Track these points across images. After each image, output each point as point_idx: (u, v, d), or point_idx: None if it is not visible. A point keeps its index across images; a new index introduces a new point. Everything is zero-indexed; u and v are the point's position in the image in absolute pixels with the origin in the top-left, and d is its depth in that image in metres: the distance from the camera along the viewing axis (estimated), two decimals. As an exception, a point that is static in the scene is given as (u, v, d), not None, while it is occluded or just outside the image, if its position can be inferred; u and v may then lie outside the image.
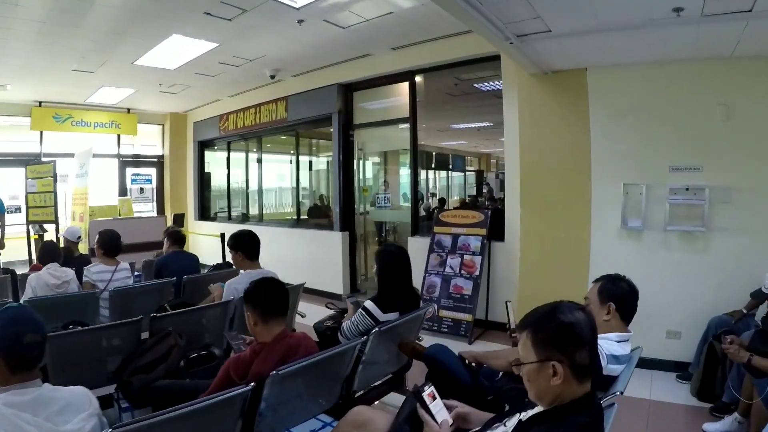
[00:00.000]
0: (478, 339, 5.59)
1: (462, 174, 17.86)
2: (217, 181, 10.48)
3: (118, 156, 10.08)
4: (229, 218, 10.01)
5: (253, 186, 9.58)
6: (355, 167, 7.46)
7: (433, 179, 18.39)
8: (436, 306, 5.83)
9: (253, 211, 9.68)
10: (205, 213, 10.49)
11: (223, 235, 7.51)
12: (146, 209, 10.36)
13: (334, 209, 7.56)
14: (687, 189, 4.36)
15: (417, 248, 6.15)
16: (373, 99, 7.33)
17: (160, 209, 10.64)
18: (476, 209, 6.06)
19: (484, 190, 16.15)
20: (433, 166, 17.65)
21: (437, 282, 5.91)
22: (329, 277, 7.52)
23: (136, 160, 10.53)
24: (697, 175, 4.37)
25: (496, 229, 5.78)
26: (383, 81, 6.98)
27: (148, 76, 7.42)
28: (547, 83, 5.05)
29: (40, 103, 8.74)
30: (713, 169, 4.33)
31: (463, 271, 5.80)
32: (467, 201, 13.87)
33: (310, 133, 8.23)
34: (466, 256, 5.83)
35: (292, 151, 8.57)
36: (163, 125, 10.58)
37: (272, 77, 7.45)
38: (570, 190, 4.93)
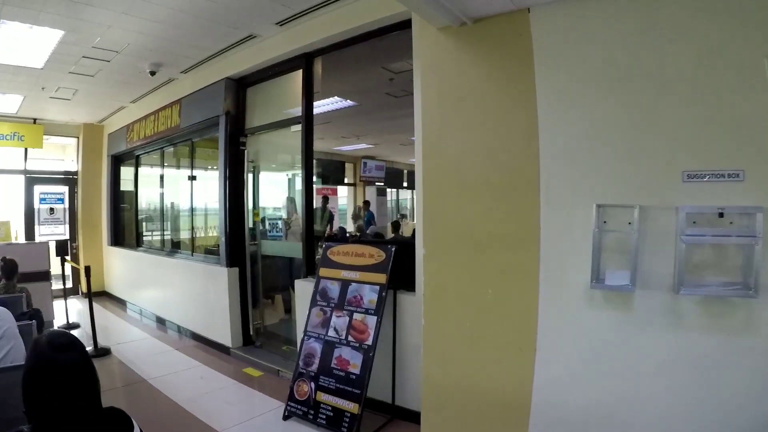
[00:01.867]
0: None
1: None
2: (140, 201, 8.32)
3: (24, 172, 8.13)
4: (138, 244, 7.87)
5: (156, 207, 7.52)
6: (245, 184, 5.26)
7: (409, 199, 16.61)
8: (312, 385, 3.75)
9: (157, 236, 7.59)
10: (118, 238, 8.34)
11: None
12: (57, 232, 8.41)
13: (220, 238, 5.35)
14: (720, 215, 2.11)
15: (308, 296, 3.96)
16: (269, 95, 5.19)
17: (72, 232, 8.61)
18: (377, 244, 3.77)
19: None
20: (405, 185, 15.85)
21: (317, 349, 3.55)
22: (217, 324, 5.33)
23: (46, 177, 8.54)
24: (736, 188, 2.11)
25: (405, 275, 3.57)
26: (276, 70, 4.85)
27: (20, 78, 5.59)
28: (464, 40, 2.87)
29: (-66, 113, 6.79)
30: (765, 176, 2.11)
31: (350, 338, 3.49)
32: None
33: (206, 142, 6.07)
34: (356, 315, 3.56)
35: (188, 166, 6.44)
36: (78, 137, 8.63)
37: (152, 73, 5.39)
38: (501, 217, 2.73)
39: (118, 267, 8.14)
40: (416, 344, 3.50)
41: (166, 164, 7.22)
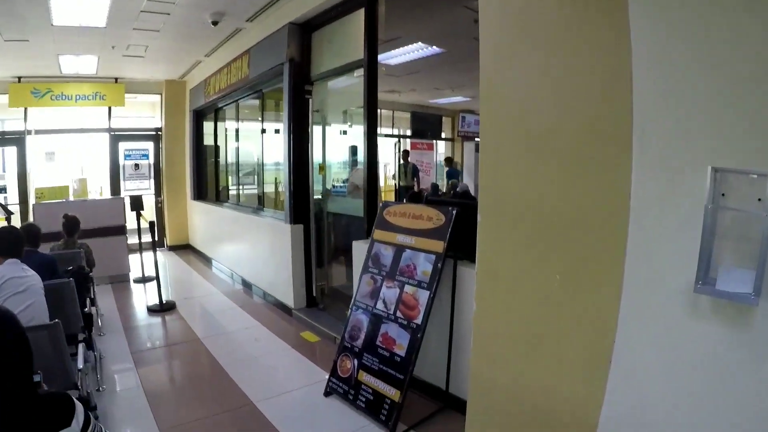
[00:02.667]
0: (421, 424, 2.92)
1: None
2: (220, 155, 8.40)
3: (108, 130, 8.49)
4: (217, 198, 8.00)
5: (232, 161, 7.50)
6: (311, 136, 4.89)
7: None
8: (355, 363, 3.43)
9: (233, 190, 7.61)
10: (201, 192, 8.54)
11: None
12: (142, 187, 8.82)
13: (284, 193, 5.09)
14: None
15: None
16: (333, 39, 4.67)
17: (158, 187, 9.01)
18: (437, 205, 3.12)
19: None
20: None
21: (363, 322, 3.16)
22: (281, 283, 5.17)
23: (130, 134, 8.95)
24: None
25: (470, 243, 2.73)
26: (338, 11, 4.34)
27: (87, 38, 5.72)
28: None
29: (19, 78, 7.44)
30: None
31: (399, 314, 3.03)
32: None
33: (275, 93, 5.72)
34: (407, 287, 3.04)
35: (259, 118, 6.23)
36: (161, 94, 8.82)
37: (214, 23, 5.16)
38: (576, 186, 2.00)
39: (200, 221, 8.43)
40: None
41: (240, 118, 7.14)
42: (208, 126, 8.44)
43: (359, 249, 3.84)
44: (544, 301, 2.15)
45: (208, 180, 8.51)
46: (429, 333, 2.96)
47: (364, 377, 3.04)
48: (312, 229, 5.02)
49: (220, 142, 8.08)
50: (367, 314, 3.18)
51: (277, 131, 5.62)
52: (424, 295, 2.92)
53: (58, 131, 8.36)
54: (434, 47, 6.16)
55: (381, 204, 3.47)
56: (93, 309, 4.19)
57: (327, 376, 3.36)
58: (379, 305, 3.12)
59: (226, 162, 7.92)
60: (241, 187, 7.30)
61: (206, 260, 7.95)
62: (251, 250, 6.13)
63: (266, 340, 4.40)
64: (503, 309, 2.36)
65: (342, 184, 5.00)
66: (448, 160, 11.49)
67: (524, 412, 2.26)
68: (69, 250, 4.30)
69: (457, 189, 9.21)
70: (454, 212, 2.96)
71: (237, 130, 7.19)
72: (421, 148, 11.64)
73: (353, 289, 3.88)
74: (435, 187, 9.83)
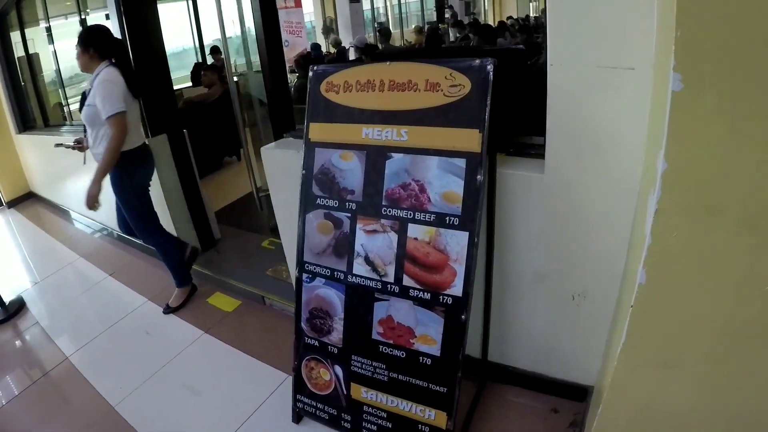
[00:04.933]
0: (478, 423, 1.79)
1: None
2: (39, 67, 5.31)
3: None
4: (46, 124, 5.19)
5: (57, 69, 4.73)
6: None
7: (383, 4, 12.65)
8: (339, 372, 2.00)
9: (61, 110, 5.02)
10: (26, 121, 5.48)
11: None
12: None
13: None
14: None
15: (288, 180, 2.05)
16: None
17: None
18: (447, 57, 1.82)
19: (447, 15, 10.78)
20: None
21: (334, 301, 1.65)
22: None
23: None
24: None
25: (512, 123, 1.61)
26: None
27: None
28: None
29: None
30: None
31: (409, 281, 1.50)
32: (424, 30, 8.53)
33: None
34: (414, 229, 1.49)
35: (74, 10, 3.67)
36: None
37: None
38: None
39: (37, 159, 5.57)
40: (540, 272, 1.66)
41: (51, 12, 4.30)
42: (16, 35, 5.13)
43: (272, 159, 2.11)
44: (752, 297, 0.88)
45: (32, 104, 5.45)
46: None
47: (365, 395, 1.66)
48: (187, 136, 3.07)
49: (38, 49, 5.07)
50: (336, 287, 1.67)
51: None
52: (456, 239, 1.45)
53: None
54: None
55: (311, 72, 1.69)
56: None
57: (282, 380, 1.96)
58: (359, 268, 1.61)
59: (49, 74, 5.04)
60: (70, 102, 4.70)
61: (61, 212, 5.25)
62: (108, 188, 3.87)
63: (161, 329, 2.70)
64: (688, 296, 1.03)
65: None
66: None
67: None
68: None
69: (353, 43, 7.11)
70: (490, 68, 1.37)
71: (49, 29, 4.38)
72: (288, 6, 8.87)
73: (281, 232, 2.30)
74: (317, 47, 7.60)
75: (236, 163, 5.30)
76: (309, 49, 7.52)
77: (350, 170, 1.60)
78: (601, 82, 1.34)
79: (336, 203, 1.64)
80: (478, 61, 1.40)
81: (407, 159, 1.50)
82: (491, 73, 1.38)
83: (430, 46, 6.83)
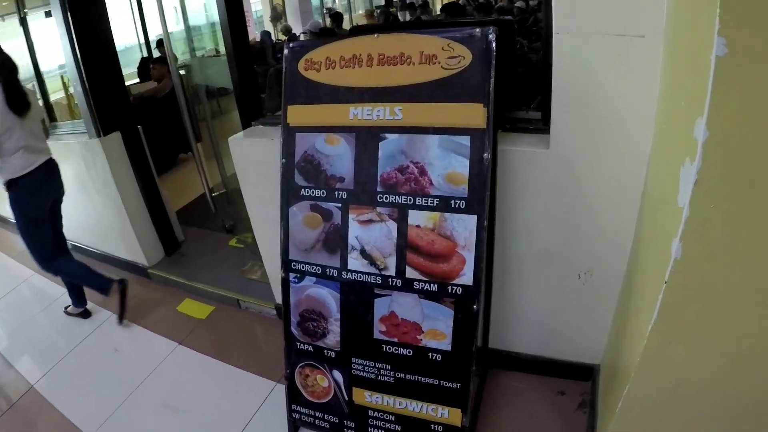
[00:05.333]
0: (488, 416, 1.71)
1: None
2: None
3: None
4: None
5: None
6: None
7: None
8: (338, 377, 1.87)
9: None
10: None
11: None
12: None
13: (74, 90, 2.61)
14: None
15: (262, 172, 1.89)
16: None
17: None
18: (443, 26, 1.72)
19: None
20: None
21: (327, 300, 1.51)
22: (115, 231, 2.97)
23: None
24: None
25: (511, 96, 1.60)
26: None
27: None
28: None
29: None
30: None
31: (412, 273, 1.38)
32: (375, 14, 8.28)
33: None
34: (416, 215, 1.35)
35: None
36: None
37: None
38: None
39: None
40: (544, 252, 1.58)
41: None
42: None
43: (242, 149, 1.90)
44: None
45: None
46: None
47: (370, 398, 1.54)
48: (142, 133, 2.78)
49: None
50: (329, 285, 1.52)
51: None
52: (464, 224, 1.34)
53: None
54: None
55: (286, 50, 1.50)
56: None
57: (271, 388, 1.81)
58: (354, 263, 1.47)
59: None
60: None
61: (6, 224, 4.50)
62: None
63: (131, 343, 2.44)
64: (726, 271, 0.97)
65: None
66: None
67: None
68: None
69: (307, 28, 6.74)
70: (492, 38, 1.25)
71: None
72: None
73: (255, 229, 2.12)
74: (267, 34, 7.19)
75: (192, 159, 4.93)
76: (258, 39, 7.15)
77: (338, 155, 1.44)
78: (609, 50, 1.25)
79: (323, 193, 1.48)
80: (478, 30, 1.28)
81: (403, 139, 1.37)
82: (494, 43, 1.26)
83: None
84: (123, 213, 2.77)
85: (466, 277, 1.36)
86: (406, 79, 1.35)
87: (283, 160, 1.52)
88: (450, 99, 1.31)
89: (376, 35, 1.39)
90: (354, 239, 1.46)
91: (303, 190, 1.50)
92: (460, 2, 8.45)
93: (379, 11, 8.95)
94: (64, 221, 2.49)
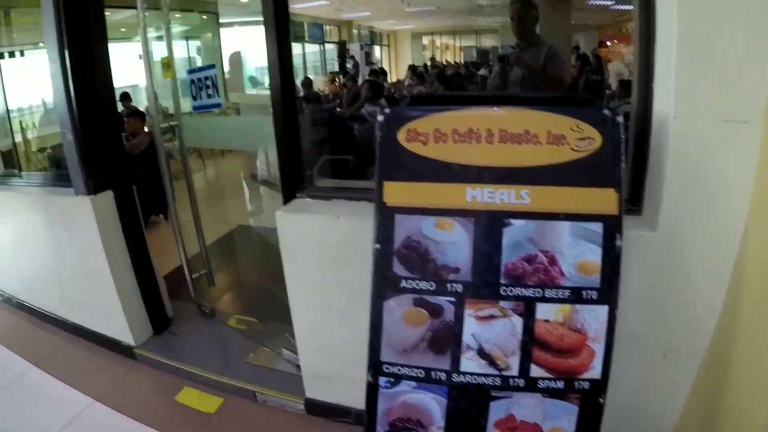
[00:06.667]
0: None
1: (320, 47, 11.86)
2: None
3: None
4: None
5: None
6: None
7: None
8: None
9: None
10: None
11: None
12: None
13: (62, 134, 2.10)
14: None
15: (316, 256, 1.64)
16: None
17: None
18: (568, 104, 1.52)
19: (348, 66, 10.92)
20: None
21: (431, 408, 1.28)
22: (96, 302, 2.41)
23: None
24: None
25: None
26: None
27: None
28: None
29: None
30: None
31: (537, 370, 1.22)
32: (335, 79, 8.60)
33: None
34: (544, 309, 1.23)
35: None
36: None
37: None
38: None
39: None
40: (634, 331, 1.55)
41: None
42: None
43: (291, 228, 1.56)
44: None
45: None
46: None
47: None
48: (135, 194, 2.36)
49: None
50: (434, 390, 1.29)
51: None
52: (595, 315, 1.24)
53: None
54: None
55: (384, 114, 1.27)
56: None
57: None
58: (469, 364, 1.27)
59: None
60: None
61: None
62: (25, 251, 2.81)
63: None
64: None
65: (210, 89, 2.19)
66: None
67: None
68: None
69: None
70: (621, 120, 1.21)
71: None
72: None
73: (294, 316, 1.78)
74: (308, 87, 6.46)
75: (164, 222, 4.21)
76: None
77: (451, 242, 1.25)
78: (719, 135, 1.30)
79: (432, 285, 1.27)
80: (607, 112, 1.22)
81: (531, 226, 1.24)
82: (622, 125, 1.21)
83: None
84: (109, 282, 2.27)
85: (595, 371, 1.26)
86: (533, 159, 1.23)
87: (377, 246, 1.28)
88: (581, 183, 1.23)
89: (495, 109, 1.25)
90: (470, 337, 1.27)
91: (404, 281, 1.28)
92: (418, 69, 8.59)
93: (345, 77, 8.72)
94: (30, 282, 2.23)
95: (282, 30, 1.47)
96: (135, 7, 2.03)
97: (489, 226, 1.25)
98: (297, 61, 11.24)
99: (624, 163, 1.22)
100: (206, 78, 2.18)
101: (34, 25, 3.14)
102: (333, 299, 1.35)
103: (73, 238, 2.37)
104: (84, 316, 2.62)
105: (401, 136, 1.27)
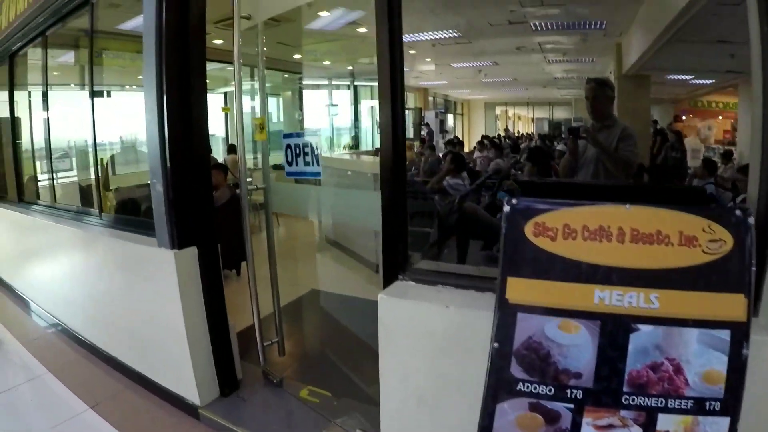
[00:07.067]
0: None
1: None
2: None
3: None
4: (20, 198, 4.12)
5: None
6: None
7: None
8: None
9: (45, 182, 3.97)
10: None
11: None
12: None
13: (152, 183, 1.99)
14: None
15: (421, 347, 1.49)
16: None
17: None
18: (698, 203, 1.34)
19: (423, 132, 10.64)
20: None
21: None
22: (165, 357, 2.28)
23: None
24: None
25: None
26: None
27: None
28: None
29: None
30: None
31: None
32: (412, 146, 8.04)
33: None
34: (667, 420, 1.14)
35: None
36: None
37: None
38: None
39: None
40: None
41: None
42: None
43: (393, 313, 1.44)
44: None
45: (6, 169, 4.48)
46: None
47: None
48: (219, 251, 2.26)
49: (22, 113, 4.15)
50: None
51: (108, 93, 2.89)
52: (717, 427, 1.19)
53: None
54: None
55: (511, 205, 1.18)
56: None
57: None
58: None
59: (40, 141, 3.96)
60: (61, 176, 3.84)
61: (19, 300, 3.98)
62: (92, 291, 2.75)
63: None
64: None
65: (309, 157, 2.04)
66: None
67: None
68: None
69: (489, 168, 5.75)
70: (752, 221, 1.17)
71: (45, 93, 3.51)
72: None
73: (383, 404, 1.66)
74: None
75: (234, 278, 4.15)
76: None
77: (575, 346, 1.17)
78: None
79: (551, 390, 1.18)
80: (738, 212, 1.18)
81: (659, 332, 1.17)
82: (753, 227, 1.18)
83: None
84: (182, 336, 2.13)
85: (711, 483, 1.21)
86: (663, 261, 1.17)
87: (496, 344, 1.18)
88: (710, 288, 1.18)
89: (627, 206, 1.18)
90: (589, 446, 1.19)
91: (521, 384, 1.18)
92: (494, 140, 8.42)
93: (422, 145, 8.41)
94: (95, 320, 2.29)
95: (396, 102, 1.35)
96: (227, 62, 1.89)
97: (616, 331, 1.18)
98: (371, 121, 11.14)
99: (754, 267, 1.19)
100: (305, 145, 2.02)
101: (122, 68, 3.15)
102: (427, 391, 1.24)
103: (150, 287, 2.30)
104: (148, 366, 2.47)
105: (528, 229, 1.18)
